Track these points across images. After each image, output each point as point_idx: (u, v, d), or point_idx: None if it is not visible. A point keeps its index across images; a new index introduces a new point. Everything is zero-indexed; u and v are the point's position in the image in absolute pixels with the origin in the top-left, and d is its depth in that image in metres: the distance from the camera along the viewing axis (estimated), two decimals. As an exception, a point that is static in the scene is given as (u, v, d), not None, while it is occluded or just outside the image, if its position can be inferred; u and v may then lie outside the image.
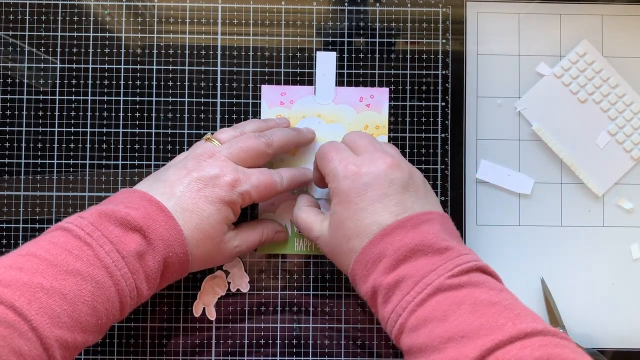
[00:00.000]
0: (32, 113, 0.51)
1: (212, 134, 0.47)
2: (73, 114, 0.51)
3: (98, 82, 0.51)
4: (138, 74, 0.52)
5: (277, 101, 0.52)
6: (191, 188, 0.42)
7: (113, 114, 0.51)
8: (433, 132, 0.52)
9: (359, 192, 0.42)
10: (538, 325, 0.35)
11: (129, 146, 0.51)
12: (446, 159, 0.52)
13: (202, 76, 0.52)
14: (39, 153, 0.51)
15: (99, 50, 0.51)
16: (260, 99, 0.52)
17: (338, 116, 0.52)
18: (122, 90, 0.51)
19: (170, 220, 0.41)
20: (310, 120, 0.52)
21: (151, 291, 0.41)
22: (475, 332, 0.35)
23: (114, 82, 0.51)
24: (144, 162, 0.51)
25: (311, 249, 0.51)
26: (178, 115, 0.52)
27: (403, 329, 0.38)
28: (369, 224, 0.41)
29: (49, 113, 0.51)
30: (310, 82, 0.52)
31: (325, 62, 0.52)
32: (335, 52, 0.52)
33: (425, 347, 0.36)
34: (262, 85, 0.52)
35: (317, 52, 0.52)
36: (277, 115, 0.51)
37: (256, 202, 0.47)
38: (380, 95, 0.52)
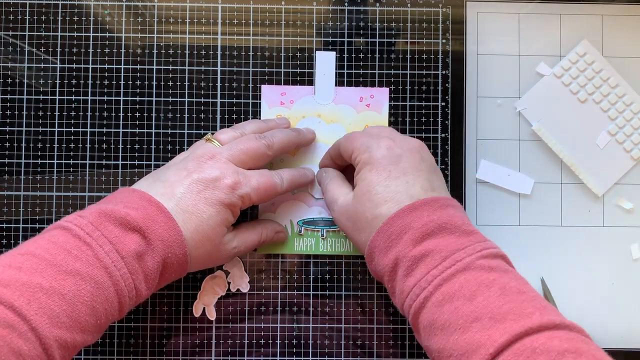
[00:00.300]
0: (32, 113, 0.51)
1: (213, 134, 0.47)
2: (73, 114, 0.51)
3: (98, 82, 0.51)
4: (138, 74, 0.52)
5: (277, 101, 0.52)
6: (191, 189, 0.42)
7: (113, 114, 0.51)
8: (433, 132, 0.52)
9: (392, 161, 0.42)
10: (565, 320, 0.35)
11: (129, 146, 0.51)
12: (446, 159, 0.52)
13: (202, 76, 0.52)
14: (39, 153, 0.51)
15: (99, 50, 0.51)
16: (260, 99, 0.52)
17: (338, 116, 0.52)
18: (122, 90, 0.51)
19: (170, 221, 0.40)
20: (310, 120, 0.52)
21: (150, 291, 0.41)
22: (503, 316, 0.35)
23: (114, 82, 0.51)
24: (144, 162, 0.51)
25: (311, 248, 0.51)
26: (178, 115, 0.52)
27: (426, 303, 0.38)
28: (400, 191, 0.41)
29: (49, 113, 0.51)
30: (310, 82, 0.52)
31: (325, 62, 0.52)
32: (335, 52, 0.52)
33: (449, 324, 0.36)
34: (262, 85, 0.52)
35: (317, 52, 0.52)
36: (277, 116, 0.51)
37: (256, 204, 0.47)
38: (380, 95, 0.52)
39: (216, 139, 0.46)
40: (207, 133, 0.49)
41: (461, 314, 0.36)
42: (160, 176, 0.43)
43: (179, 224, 0.41)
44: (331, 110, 0.52)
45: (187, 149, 0.51)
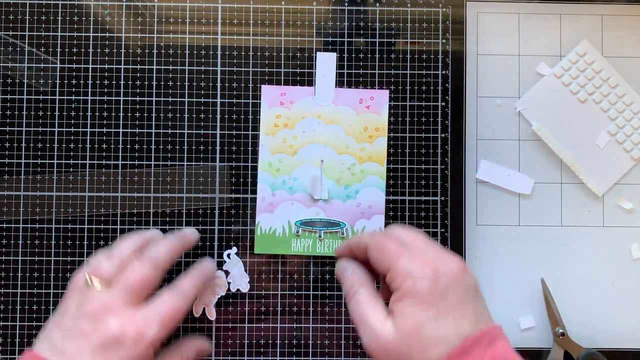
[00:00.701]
0: (32, 113, 0.51)
1: (88, 269, 0.41)
2: (73, 114, 0.51)
3: (98, 82, 0.51)
4: (138, 74, 0.52)
5: (277, 101, 0.52)
6: (94, 357, 0.37)
7: (113, 114, 0.51)
8: (433, 132, 0.52)
9: (439, 296, 0.37)
10: None
11: (129, 146, 0.51)
12: (446, 159, 0.52)
13: (202, 76, 0.52)
14: (39, 153, 0.51)
15: (99, 50, 0.51)
16: (260, 99, 0.52)
17: (338, 117, 0.52)
18: (122, 90, 0.51)
19: None
20: (309, 121, 0.52)
21: None
22: None
23: (114, 82, 0.51)
24: (144, 162, 0.51)
25: (308, 249, 0.51)
26: (178, 115, 0.52)
27: None
28: (449, 332, 0.36)
29: (49, 113, 0.51)
30: (311, 83, 0.52)
31: (326, 63, 0.52)
32: (335, 53, 0.52)
33: None
34: (262, 85, 0.52)
35: (318, 52, 0.52)
36: (276, 116, 0.51)
37: (171, 332, 0.42)
38: (380, 97, 0.52)
39: (96, 276, 0.41)
40: (81, 274, 0.42)
41: None
42: (57, 344, 0.38)
43: None
44: (331, 111, 0.52)
45: (187, 149, 0.51)
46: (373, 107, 0.52)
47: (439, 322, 0.36)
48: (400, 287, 0.38)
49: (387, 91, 0.52)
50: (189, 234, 0.48)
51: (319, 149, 0.51)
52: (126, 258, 0.42)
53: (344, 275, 0.42)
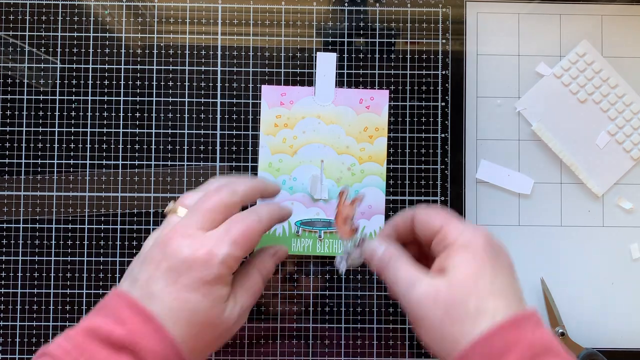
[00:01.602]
0: (32, 113, 0.51)
1: (175, 201, 0.42)
2: (73, 114, 0.51)
3: (98, 82, 0.51)
4: (138, 74, 0.52)
5: (277, 101, 0.52)
6: (167, 282, 0.37)
7: (113, 114, 0.51)
8: (433, 132, 0.52)
9: (494, 253, 0.36)
10: None
11: (129, 146, 0.51)
12: (446, 159, 0.52)
13: (202, 76, 0.52)
14: (39, 153, 0.51)
15: (99, 50, 0.51)
16: (260, 99, 0.52)
17: (338, 117, 0.52)
18: (122, 90, 0.51)
19: (160, 331, 0.36)
20: (309, 121, 0.52)
21: None
22: None
23: (114, 82, 0.51)
24: (144, 162, 0.51)
25: (308, 249, 0.51)
26: (178, 115, 0.52)
27: None
28: (505, 289, 0.35)
29: (49, 113, 0.51)
30: (311, 83, 0.52)
31: (326, 63, 0.52)
32: (335, 53, 0.52)
33: None
34: (262, 86, 0.52)
35: (318, 52, 0.52)
36: (276, 116, 0.51)
37: (245, 256, 0.40)
38: (380, 97, 0.52)
39: (182, 205, 0.41)
40: (168, 204, 0.42)
41: None
42: (135, 274, 0.38)
43: (169, 327, 0.36)
44: (331, 111, 0.52)
45: (187, 149, 0.51)
46: (373, 107, 0.52)
47: (496, 276, 0.35)
48: (455, 241, 0.36)
49: (387, 91, 0.52)
50: (272, 185, 0.44)
51: (319, 149, 0.51)
52: (210, 190, 0.41)
53: (376, 253, 0.40)
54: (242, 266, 0.42)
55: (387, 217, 0.51)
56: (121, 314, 0.36)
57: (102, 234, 0.51)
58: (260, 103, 0.52)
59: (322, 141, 0.52)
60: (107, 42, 0.52)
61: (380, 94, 0.52)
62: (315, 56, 0.52)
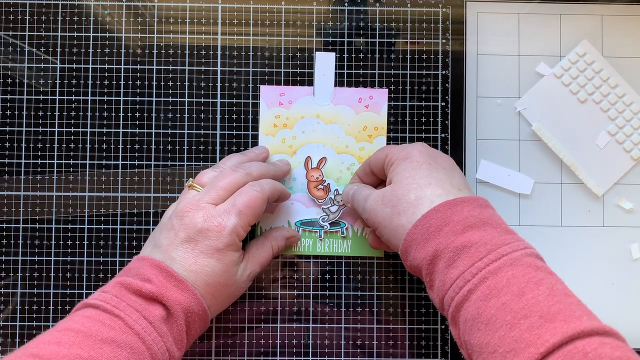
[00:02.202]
0: (32, 113, 0.51)
1: (193, 179, 0.46)
2: (73, 114, 0.51)
3: (98, 82, 0.51)
4: (138, 74, 0.52)
5: (276, 102, 0.52)
6: (185, 249, 0.42)
7: (113, 114, 0.51)
8: (433, 132, 0.52)
9: (430, 158, 0.43)
10: (612, 328, 0.34)
11: (129, 146, 0.51)
12: (446, 159, 0.52)
13: (202, 76, 0.52)
14: (39, 153, 0.51)
15: (99, 50, 0.51)
16: (259, 92, 0.52)
17: (337, 117, 0.52)
18: (122, 90, 0.51)
19: (182, 284, 0.41)
20: (309, 121, 0.52)
21: (181, 352, 0.42)
22: (553, 316, 0.34)
23: (114, 82, 0.51)
24: (144, 162, 0.51)
25: (309, 249, 0.51)
26: (178, 115, 0.52)
27: (470, 296, 0.37)
28: (442, 179, 0.42)
29: (49, 113, 0.51)
30: (310, 83, 0.52)
31: (325, 63, 0.52)
32: (334, 53, 0.52)
33: (495, 320, 0.35)
34: (262, 86, 0.52)
35: (317, 52, 0.52)
36: (275, 116, 0.51)
37: (255, 223, 0.47)
38: (379, 96, 0.52)
39: (198, 183, 0.46)
40: (188, 180, 0.47)
41: (509, 310, 0.35)
42: (156, 240, 0.44)
43: (191, 282, 0.42)
44: (330, 110, 0.52)
45: (187, 149, 0.51)
46: (372, 106, 0.52)
47: (432, 172, 0.42)
48: (397, 158, 0.44)
49: (386, 90, 0.52)
50: (282, 164, 0.51)
51: (319, 148, 0.51)
52: (226, 169, 0.46)
53: (347, 192, 0.49)
54: (259, 238, 0.49)
55: None
56: (147, 273, 0.41)
57: (102, 234, 0.51)
58: (259, 96, 0.52)
59: (322, 141, 0.52)
60: (107, 42, 0.52)
61: (379, 92, 0.52)
62: (315, 56, 0.52)
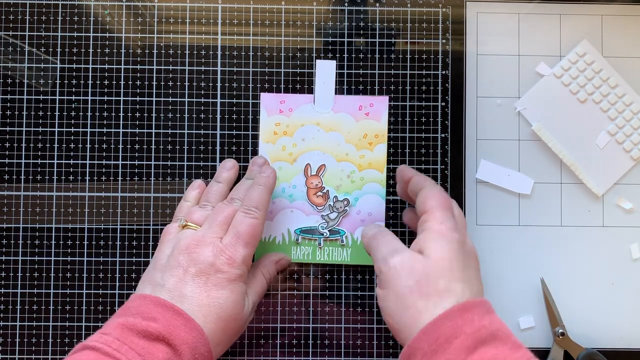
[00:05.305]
0: (32, 113, 0.51)
1: (183, 220, 0.46)
2: (73, 114, 0.51)
3: (98, 82, 0.51)
4: (138, 74, 0.52)
5: (276, 109, 0.51)
6: (197, 283, 0.42)
7: (113, 114, 0.51)
8: (433, 132, 0.52)
9: (465, 248, 0.41)
10: None
11: (129, 146, 0.51)
12: (446, 159, 0.52)
13: (202, 76, 0.52)
14: (39, 153, 0.51)
15: (99, 50, 0.51)
16: (259, 99, 0.52)
17: (337, 125, 0.51)
18: (122, 90, 0.51)
19: (190, 322, 0.40)
20: (309, 129, 0.51)
21: None
22: None
23: (114, 82, 0.51)
24: (144, 162, 0.51)
25: (308, 257, 0.51)
26: (178, 115, 0.52)
27: None
28: (471, 280, 0.40)
29: (49, 113, 0.51)
30: (310, 91, 0.52)
31: (325, 71, 0.52)
32: (335, 61, 0.52)
33: None
34: (262, 93, 0.51)
35: (317, 60, 0.52)
36: (275, 124, 0.51)
37: (256, 244, 0.45)
38: (380, 104, 0.51)
39: (191, 221, 0.46)
40: (179, 221, 0.46)
41: None
42: (157, 281, 0.43)
43: (200, 321, 0.41)
44: (330, 118, 0.51)
45: (187, 149, 0.51)
46: (372, 114, 0.51)
47: (464, 270, 0.39)
48: (434, 229, 0.40)
49: (387, 98, 0.52)
50: (268, 175, 0.48)
51: (319, 156, 0.51)
52: (212, 203, 0.47)
53: (368, 232, 0.45)
54: (250, 270, 0.46)
55: (387, 217, 0.51)
56: (151, 312, 0.40)
57: (102, 234, 0.51)
58: (259, 103, 0.52)
59: (322, 149, 0.51)
60: (107, 42, 0.52)
61: (380, 100, 0.52)
62: (315, 64, 0.52)
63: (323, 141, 0.51)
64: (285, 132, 0.51)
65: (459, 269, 0.39)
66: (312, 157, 0.51)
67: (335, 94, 0.52)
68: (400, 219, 0.51)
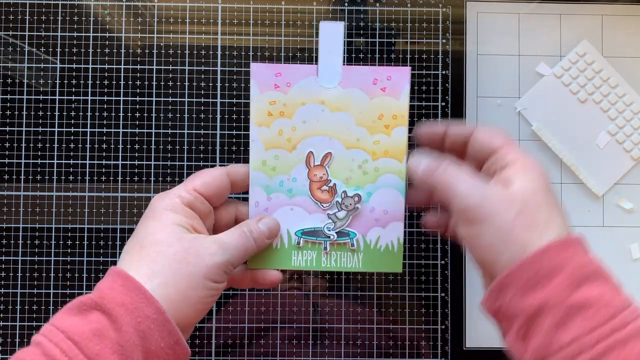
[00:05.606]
0: (32, 113, 0.51)
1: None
2: (73, 114, 0.51)
3: (98, 82, 0.51)
4: (138, 74, 0.52)
5: (270, 83, 0.42)
6: (134, 234, 0.40)
7: (113, 114, 0.51)
8: (433, 132, 0.52)
9: (549, 181, 0.38)
10: None
11: (129, 146, 0.51)
12: (446, 159, 0.52)
13: (202, 76, 0.52)
14: (39, 153, 0.51)
15: (99, 50, 0.51)
16: (250, 70, 0.43)
17: (346, 103, 0.42)
18: (122, 90, 0.51)
19: (128, 281, 0.35)
20: (311, 108, 0.42)
21: None
22: None
23: (114, 82, 0.51)
24: (144, 162, 0.51)
25: (312, 264, 0.43)
26: (178, 115, 0.52)
27: None
28: (562, 213, 0.36)
29: (49, 113, 0.51)
30: (312, 60, 0.50)
31: (331, 36, 0.42)
32: (343, 22, 0.45)
33: None
34: (253, 63, 0.42)
35: (321, 22, 0.42)
36: (270, 102, 0.42)
37: (209, 191, 0.40)
38: (399, 77, 0.42)
39: None
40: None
41: None
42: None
43: (141, 279, 0.35)
44: (338, 95, 0.42)
45: (187, 149, 0.51)
46: (390, 89, 0.42)
47: (556, 202, 0.37)
48: (518, 161, 0.37)
49: (408, 69, 0.43)
50: (240, 170, 0.43)
51: (323, 142, 0.43)
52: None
53: (420, 163, 0.39)
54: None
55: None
56: (99, 283, 0.36)
57: (102, 234, 0.51)
58: (250, 77, 0.43)
59: (327, 133, 0.42)
60: (107, 42, 0.52)
61: (399, 72, 0.42)
62: (319, 27, 0.43)
63: (329, 124, 0.42)
64: (283, 113, 0.42)
65: (555, 200, 0.37)
66: (315, 144, 0.42)
67: (344, 64, 0.43)
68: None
